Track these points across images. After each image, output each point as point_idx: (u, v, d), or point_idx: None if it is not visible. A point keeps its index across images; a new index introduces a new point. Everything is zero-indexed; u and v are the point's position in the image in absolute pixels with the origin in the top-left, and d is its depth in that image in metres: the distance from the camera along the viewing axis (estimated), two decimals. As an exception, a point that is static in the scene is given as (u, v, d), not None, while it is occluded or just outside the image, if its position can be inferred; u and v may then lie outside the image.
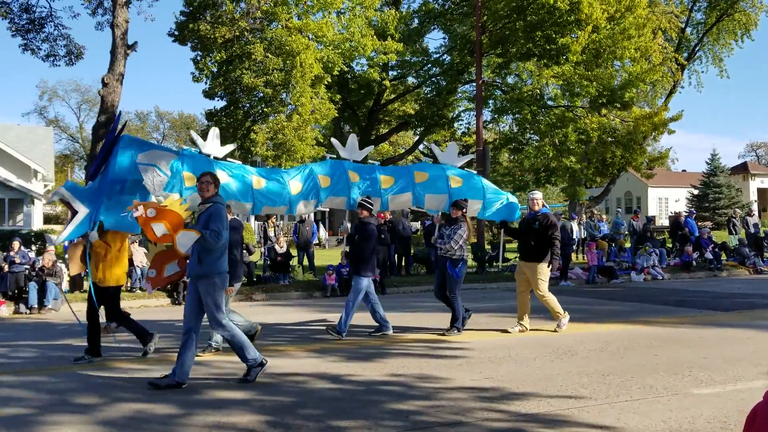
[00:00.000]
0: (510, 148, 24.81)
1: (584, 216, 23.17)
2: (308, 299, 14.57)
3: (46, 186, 35.73)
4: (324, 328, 8.89)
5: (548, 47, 20.51)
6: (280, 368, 6.50)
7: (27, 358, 7.55)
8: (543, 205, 8.77)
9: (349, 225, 9.94)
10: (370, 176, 9.12)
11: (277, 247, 16.26)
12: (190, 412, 4.93)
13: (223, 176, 7.80)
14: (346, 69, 21.93)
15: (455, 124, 26.09)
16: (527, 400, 5.17)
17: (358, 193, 8.83)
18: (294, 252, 17.15)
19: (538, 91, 23.57)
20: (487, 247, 20.78)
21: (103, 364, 6.90)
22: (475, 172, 10.36)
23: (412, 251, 18.77)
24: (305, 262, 17.36)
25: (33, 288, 12.75)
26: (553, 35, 20.17)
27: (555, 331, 8.55)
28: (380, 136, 26.59)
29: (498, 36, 21.54)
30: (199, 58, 20.08)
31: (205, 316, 5.92)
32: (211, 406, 5.11)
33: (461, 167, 9.88)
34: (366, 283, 8.47)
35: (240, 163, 9.03)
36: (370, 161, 27.79)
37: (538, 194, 8.86)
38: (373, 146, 13.33)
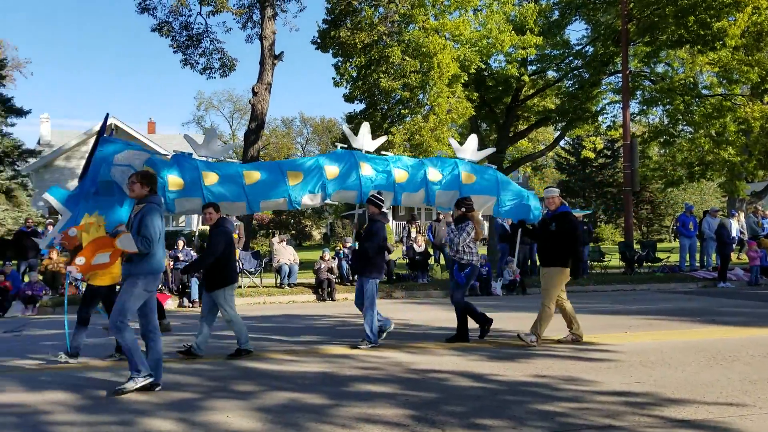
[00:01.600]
0: (660, 141, 23.37)
1: (745, 213, 21.32)
2: (446, 298, 14.58)
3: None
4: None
5: (702, 32, 19.08)
6: (423, 365, 6.59)
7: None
8: (561, 203, 7.90)
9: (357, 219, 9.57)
10: (384, 169, 8.75)
11: (415, 246, 16.47)
12: (339, 403, 5.14)
13: (212, 178, 8.06)
14: (483, 66, 21.74)
15: (599, 118, 25.01)
16: (683, 406, 4.86)
17: (370, 187, 8.49)
18: (431, 251, 17.27)
19: (691, 79, 22.01)
20: (637, 246, 19.72)
21: (258, 354, 7.35)
22: (493, 166, 9.72)
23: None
24: (442, 260, 17.40)
25: (194, 284, 13.82)
26: (708, 19, 18.74)
27: (518, 336, 7.73)
28: (519, 132, 26.06)
29: (646, 23, 20.37)
30: (339, 63, 20.80)
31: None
32: (359, 398, 5.28)
33: (480, 162, 9.47)
34: (373, 285, 7.86)
35: (236, 161, 9.14)
36: (506, 159, 27.35)
37: (555, 191, 8.04)
38: (386, 136, 12.58)
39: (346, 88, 20.94)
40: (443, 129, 19.28)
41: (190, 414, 4.90)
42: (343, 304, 13.58)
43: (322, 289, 14.56)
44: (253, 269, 15.93)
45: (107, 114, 9.31)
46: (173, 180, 7.81)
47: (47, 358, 7.40)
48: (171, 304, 13.84)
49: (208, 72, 23.61)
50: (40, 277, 14.54)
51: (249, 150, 20.68)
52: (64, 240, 6.92)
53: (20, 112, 28.90)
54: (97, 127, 33.09)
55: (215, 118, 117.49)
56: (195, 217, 8.20)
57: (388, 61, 18.96)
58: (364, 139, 9.01)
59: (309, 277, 16.15)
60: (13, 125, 27.42)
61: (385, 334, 8.03)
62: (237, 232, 15.69)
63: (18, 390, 5.80)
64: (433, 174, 8.88)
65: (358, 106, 21.81)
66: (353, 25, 19.54)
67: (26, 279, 14.07)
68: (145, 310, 5.71)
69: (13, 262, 14.64)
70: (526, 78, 22.16)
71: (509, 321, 9.74)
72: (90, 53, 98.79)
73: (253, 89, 20.96)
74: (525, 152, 30.39)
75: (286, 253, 15.87)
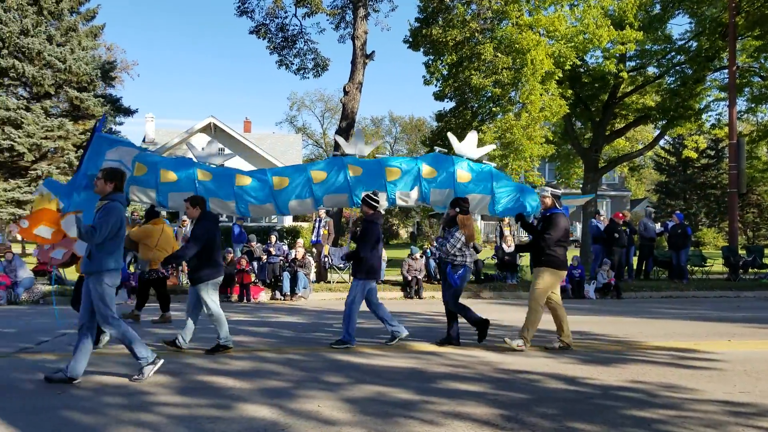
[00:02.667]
0: (769, 140, 21.93)
1: None
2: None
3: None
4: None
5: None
6: (513, 365, 6.48)
7: (285, 338, 8.41)
8: (553, 205, 7.57)
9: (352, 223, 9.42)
10: (373, 168, 8.55)
11: (504, 246, 16.22)
12: (427, 399, 5.13)
13: (206, 176, 8.12)
14: (578, 63, 21.09)
15: (703, 116, 23.70)
16: (797, 422, 4.53)
17: (362, 189, 8.25)
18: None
19: (805, 75, 20.53)
20: (742, 251, 18.60)
21: (346, 348, 7.45)
22: (492, 164, 9.22)
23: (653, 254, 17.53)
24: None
25: (286, 277, 14.20)
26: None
27: (504, 342, 7.40)
28: (615, 131, 25.10)
29: (755, 16, 19.13)
30: (430, 61, 20.77)
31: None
32: (447, 395, 5.25)
33: (478, 160, 9.02)
34: (361, 287, 7.70)
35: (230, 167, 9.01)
36: (602, 159, 26.41)
37: (546, 191, 7.68)
38: (378, 141, 11.92)
39: (436, 86, 20.90)
40: (535, 127, 18.87)
41: (283, 401, 5.03)
42: (431, 302, 13.56)
43: (410, 287, 14.61)
44: (341, 265, 16.19)
45: (104, 113, 9.73)
46: (165, 174, 7.97)
47: (150, 342, 7.79)
48: (264, 296, 14.29)
49: (302, 72, 24.16)
50: (145, 268, 15.37)
51: (339, 149, 21.00)
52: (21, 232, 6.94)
53: (128, 112, 30.73)
54: (198, 126, 34.67)
55: (307, 117, 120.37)
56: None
57: (480, 58, 18.75)
58: (358, 145, 8.89)
59: (395, 275, 16.24)
60: (121, 124, 29.18)
61: (396, 341, 7.79)
62: (327, 228, 16.02)
63: (123, 372, 6.14)
64: (427, 171, 8.60)
65: (448, 105, 21.71)
66: (445, 23, 19.45)
67: (131, 269, 14.88)
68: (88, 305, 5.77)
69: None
70: (624, 74, 21.32)
71: (606, 325, 9.45)
72: (192, 55, 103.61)
73: (344, 88, 21.27)
74: (622, 151, 29.21)
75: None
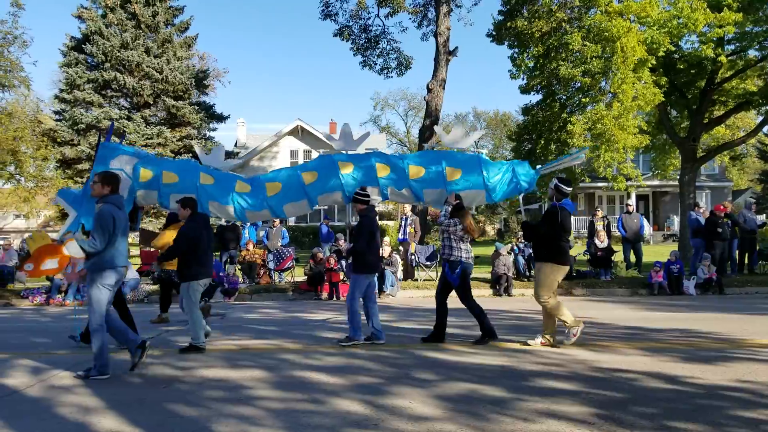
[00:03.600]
0: None
1: None
2: (632, 297, 13.82)
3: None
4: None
5: None
6: (608, 363, 6.29)
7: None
8: (558, 199, 7.35)
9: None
10: (365, 164, 8.37)
11: (597, 241, 15.73)
12: (519, 397, 5.06)
13: (208, 179, 8.20)
14: (673, 49, 20.15)
15: (813, 100, 22.08)
16: None
17: (353, 185, 8.18)
18: (617, 247, 16.32)
19: None
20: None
21: (436, 345, 7.46)
22: (482, 152, 8.74)
23: (757, 247, 16.50)
24: (632, 257, 16.32)
25: (388, 275, 14.30)
26: None
27: (554, 346, 7.20)
28: (714, 118, 23.78)
29: None
30: (515, 54, 20.44)
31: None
32: (540, 393, 5.16)
33: (467, 149, 8.68)
34: (362, 281, 7.73)
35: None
36: (700, 148, 25.09)
37: (552, 183, 7.43)
38: (369, 132, 11.00)
39: (522, 79, 20.55)
40: (628, 117, 18.19)
41: (375, 397, 5.10)
42: (520, 299, 13.36)
43: (498, 285, 14.43)
44: (428, 263, 16.20)
45: (113, 121, 9.91)
46: (168, 176, 8.11)
47: (245, 339, 8.10)
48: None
49: (385, 72, 24.33)
50: (238, 267, 15.95)
51: (423, 146, 21.02)
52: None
53: (220, 118, 31.97)
54: (286, 129, 35.67)
55: (391, 116, 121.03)
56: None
57: (568, 48, 18.28)
58: (346, 140, 8.73)
59: (484, 272, 16.08)
60: (214, 130, 30.41)
61: (350, 343, 7.60)
62: (413, 226, 16.06)
63: (223, 367, 6.41)
64: (414, 171, 8.36)
65: (535, 97, 21.30)
66: (530, 14, 19.10)
67: (227, 269, 15.48)
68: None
69: (215, 253, 16.18)
70: (723, 59, 20.18)
71: (707, 322, 9.00)
72: (279, 61, 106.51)
73: (427, 86, 21.25)
74: (722, 140, 27.64)
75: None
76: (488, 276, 15.31)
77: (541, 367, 6.17)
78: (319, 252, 14.88)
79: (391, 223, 37.37)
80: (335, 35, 23.54)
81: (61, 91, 28.53)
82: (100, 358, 5.94)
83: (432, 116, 21.19)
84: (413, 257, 16.13)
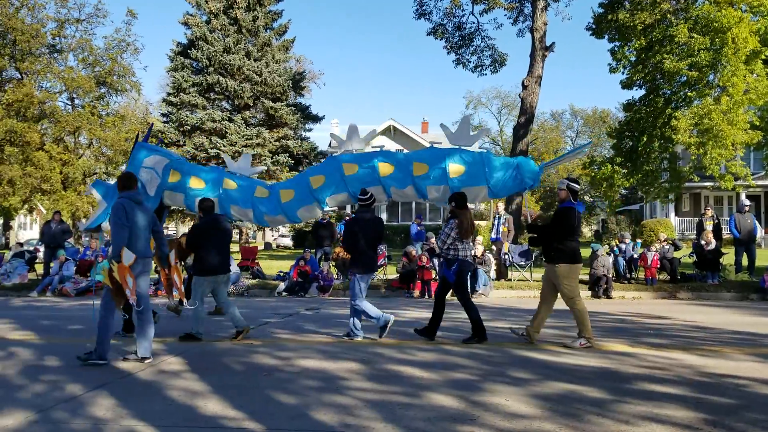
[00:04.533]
0: None
1: None
2: (741, 301, 13.02)
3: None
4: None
5: None
6: (716, 369, 5.96)
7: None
8: (567, 198, 7.33)
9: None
10: (368, 164, 8.35)
11: (704, 243, 14.91)
12: (621, 399, 4.88)
13: (231, 184, 8.61)
14: (789, 38, 18.83)
15: None
16: None
17: (357, 186, 8.22)
18: (725, 249, 15.39)
19: None
20: None
21: (532, 345, 7.33)
22: (487, 149, 8.19)
23: None
24: (744, 260, 15.30)
25: (481, 274, 14.21)
26: None
27: (565, 345, 7.15)
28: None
29: None
30: (616, 48, 19.75)
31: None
32: (643, 396, 4.96)
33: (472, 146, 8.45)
34: (360, 281, 7.76)
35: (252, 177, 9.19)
36: None
37: (563, 183, 7.38)
38: (375, 130, 10.47)
39: (623, 73, 19.82)
40: (738, 111, 17.16)
41: (469, 393, 5.07)
42: (620, 302, 12.89)
43: (597, 286, 13.98)
44: (522, 263, 15.91)
45: (151, 124, 10.73)
46: (195, 180, 8.58)
47: (338, 332, 8.27)
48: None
49: (479, 69, 24.15)
50: (333, 264, 16.25)
51: (518, 144, 20.67)
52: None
53: (315, 119, 32.75)
54: (380, 128, 36.07)
55: (483, 115, 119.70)
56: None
57: (673, 40, 17.46)
58: (353, 140, 8.75)
59: (582, 273, 15.61)
60: (310, 130, 31.20)
61: (349, 338, 7.82)
62: (506, 225, 15.82)
63: (320, 358, 6.57)
64: (419, 168, 8.26)
65: (637, 93, 20.54)
66: (632, 6, 18.38)
67: (323, 267, 15.80)
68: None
69: (311, 249, 16.57)
70: None
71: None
72: (372, 61, 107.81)
73: (522, 83, 20.88)
74: None
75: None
76: (586, 277, 14.87)
77: (643, 371, 5.93)
78: (413, 250, 14.93)
79: (483, 223, 37.01)
80: (429, 34, 23.59)
81: (169, 94, 30.12)
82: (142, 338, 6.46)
83: (527, 114, 20.82)
84: (506, 257, 15.89)
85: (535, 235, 7.84)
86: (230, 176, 8.85)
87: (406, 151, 36.04)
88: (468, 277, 7.80)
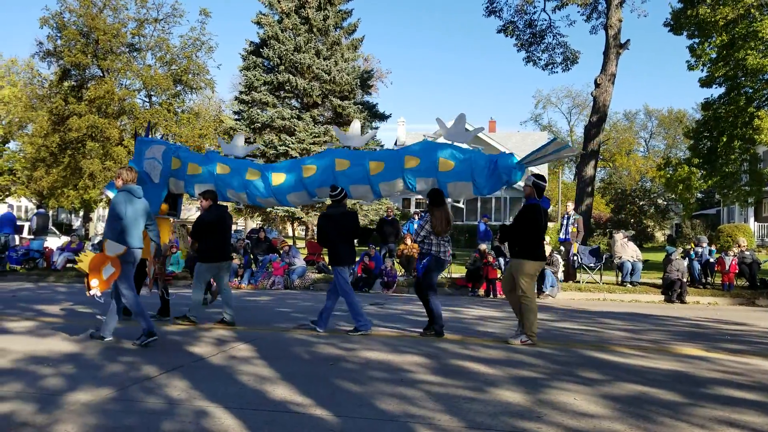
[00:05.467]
0: None
1: None
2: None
3: (541, 186, 38.86)
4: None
5: None
6: (802, 378, 5.66)
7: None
8: (532, 195, 7.33)
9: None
10: (360, 162, 8.49)
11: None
12: (695, 403, 4.70)
13: (224, 169, 8.87)
14: None
15: None
16: None
17: (346, 182, 8.39)
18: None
19: None
20: None
21: (602, 346, 7.15)
22: (480, 148, 8.17)
23: None
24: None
25: (548, 275, 14.00)
26: None
27: (506, 342, 7.21)
28: None
29: None
30: (695, 44, 19.00)
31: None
32: (719, 401, 4.76)
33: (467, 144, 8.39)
34: (339, 274, 7.93)
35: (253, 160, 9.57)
36: None
37: (529, 179, 7.38)
38: (378, 128, 10.65)
39: (702, 71, 19.06)
40: (828, 112, 16.24)
41: (536, 391, 4.99)
42: (695, 307, 12.41)
43: (671, 290, 13.51)
44: (592, 264, 15.54)
45: (149, 122, 11.06)
46: (192, 167, 8.91)
47: (404, 327, 8.29)
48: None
49: (550, 67, 23.68)
50: (397, 261, 16.30)
51: (588, 144, 20.17)
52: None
53: (382, 117, 32.88)
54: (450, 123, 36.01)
55: (553, 114, 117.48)
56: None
57: (757, 36, 16.65)
58: (354, 136, 8.95)
59: (653, 277, 15.13)
60: (376, 128, 31.30)
61: (315, 328, 7.94)
62: (576, 225, 15.48)
63: (384, 351, 6.61)
64: (410, 161, 8.29)
65: (716, 91, 19.67)
66: (714, 1, 17.62)
67: (387, 263, 15.89)
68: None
69: (375, 246, 16.67)
70: None
71: None
72: (439, 59, 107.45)
73: (595, 81, 20.37)
74: None
75: (628, 250, 15.11)
76: (659, 281, 14.40)
77: (719, 375, 5.70)
78: (485, 246, 14.78)
79: (551, 224, 36.33)
80: (499, 31, 23.33)
81: (241, 92, 30.85)
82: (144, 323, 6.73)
83: (599, 112, 20.30)
84: (575, 258, 15.55)
85: (503, 232, 7.84)
86: (223, 160, 9.16)
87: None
88: (436, 273, 7.90)
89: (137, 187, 6.98)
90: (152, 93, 32.37)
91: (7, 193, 42.22)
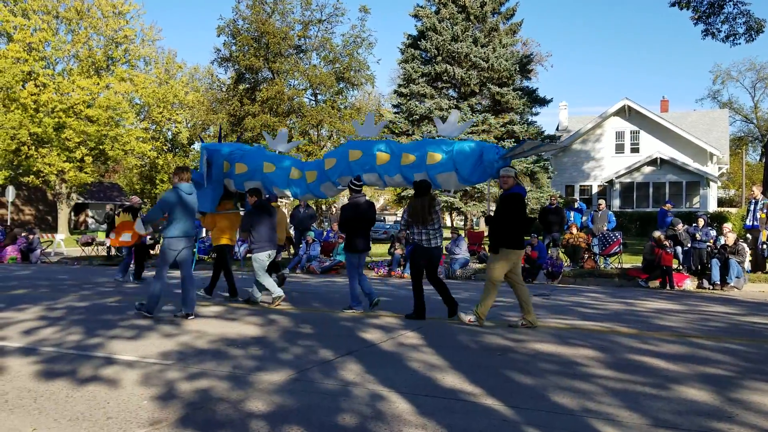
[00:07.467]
0: None
1: None
2: None
3: (720, 169, 35.76)
4: None
5: None
6: None
7: (718, 327, 7.73)
8: (516, 184, 7.55)
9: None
10: (369, 152, 9.06)
11: None
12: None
13: (270, 167, 9.75)
14: None
15: None
16: None
17: (359, 171, 9.00)
18: None
19: None
20: None
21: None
22: (470, 139, 6.93)
23: None
24: None
25: (715, 265, 12.96)
26: None
27: (457, 318, 7.75)
28: None
29: None
30: None
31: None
32: None
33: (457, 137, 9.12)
34: (349, 259, 8.75)
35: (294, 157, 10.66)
36: None
37: (510, 171, 7.60)
38: (387, 120, 10.51)
39: None
40: None
41: (725, 390, 4.61)
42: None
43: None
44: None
45: (221, 126, 15.75)
46: (239, 166, 9.87)
47: (573, 319, 8.03)
48: (689, 284, 13.33)
49: (731, 39, 21.59)
50: (562, 251, 15.79)
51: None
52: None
53: (542, 102, 31.93)
54: (612, 110, 34.18)
55: (734, 90, 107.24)
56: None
57: None
58: (369, 126, 9.35)
59: None
60: (536, 114, 30.50)
61: (351, 311, 8.58)
62: (765, 211, 14.03)
63: (554, 343, 6.45)
64: (406, 158, 8.84)
65: None
66: None
67: (550, 252, 15.45)
68: (179, 263, 7.92)
69: (539, 236, 16.27)
70: None
71: None
72: (603, 40, 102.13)
73: (787, 50, 18.27)
74: None
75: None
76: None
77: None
78: (658, 233, 13.84)
79: (733, 210, 33.27)
80: (672, 5, 21.63)
81: (399, 86, 31.45)
82: (151, 299, 7.79)
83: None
84: (764, 246, 14.11)
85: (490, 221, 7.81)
86: (269, 159, 9.92)
87: (642, 132, 33.71)
88: (420, 260, 8.13)
89: (187, 185, 8.02)
90: (317, 91, 33.99)
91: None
